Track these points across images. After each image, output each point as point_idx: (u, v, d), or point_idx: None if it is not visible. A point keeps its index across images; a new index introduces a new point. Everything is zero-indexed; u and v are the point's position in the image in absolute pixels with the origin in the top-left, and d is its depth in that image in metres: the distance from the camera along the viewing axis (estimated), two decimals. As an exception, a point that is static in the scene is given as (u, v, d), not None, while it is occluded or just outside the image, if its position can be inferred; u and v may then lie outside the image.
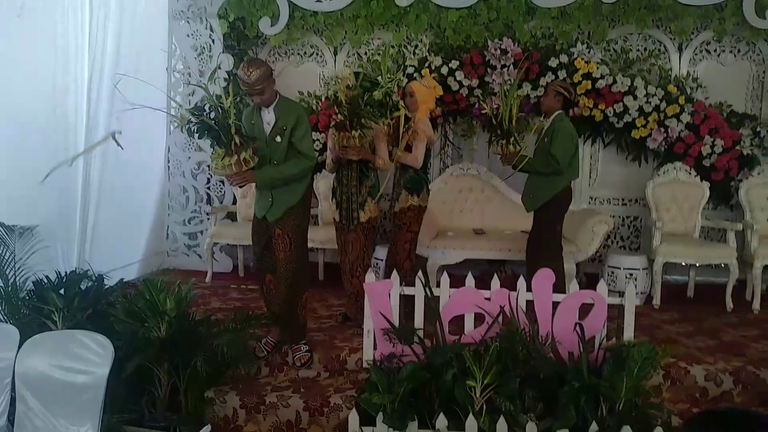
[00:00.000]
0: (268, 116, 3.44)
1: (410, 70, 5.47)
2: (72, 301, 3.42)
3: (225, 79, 5.52)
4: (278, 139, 3.39)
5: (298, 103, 3.67)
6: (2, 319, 3.52)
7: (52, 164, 4.37)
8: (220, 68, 5.50)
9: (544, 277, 3.32)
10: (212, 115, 3.28)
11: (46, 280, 3.52)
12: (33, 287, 3.53)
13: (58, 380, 2.59)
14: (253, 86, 3.32)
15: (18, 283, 3.58)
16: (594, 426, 2.81)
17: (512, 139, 3.95)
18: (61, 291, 3.51)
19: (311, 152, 3.48)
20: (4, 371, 2.69)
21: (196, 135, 3.37)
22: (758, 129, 5.25)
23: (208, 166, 5.55)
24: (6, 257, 3.60)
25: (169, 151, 5.65)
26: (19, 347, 2.71)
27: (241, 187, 3.66)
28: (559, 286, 3.39)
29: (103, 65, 4.70)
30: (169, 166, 5.67)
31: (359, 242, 3.97)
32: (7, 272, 3.57)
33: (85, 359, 2.59)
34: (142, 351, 3.20)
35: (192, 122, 3.29)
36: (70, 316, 3.38)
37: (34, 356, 2.63)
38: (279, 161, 3.42)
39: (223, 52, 5.54)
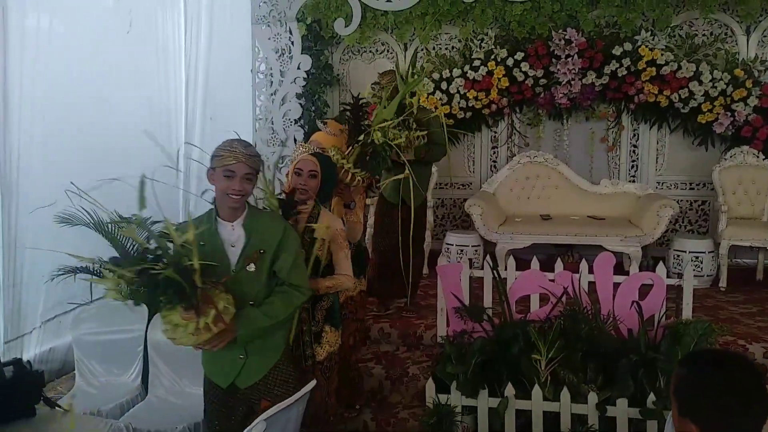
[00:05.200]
0: (232, 235, 2.26)
1: (476, 63, 5.76)
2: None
3: (304, 79, 5.98)
4: (251, 267, 2.24)
5: (277, 213, 2.51)
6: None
7: (157, 162, 4.95)
8: (299, 68, 5.96)
9: (605, 260, 3.57)
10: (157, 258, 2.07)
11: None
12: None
13: (182, 348, 3.09)
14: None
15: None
16: (651, 396, 3.06)
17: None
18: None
19: (306, 283, 2.39)
20: (137, 340, 3.23)
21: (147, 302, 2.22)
22: (830, 110, 5.22)
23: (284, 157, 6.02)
24: (127, 246, 4.15)
25: (255, 146, 6.13)
26: (149, 320, 3.25)
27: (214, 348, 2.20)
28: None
29: (197, 71, 5.24)
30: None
31: (319, 389, 2.61)
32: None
33: (205, 330, 3.07)
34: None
35: (133, 283, 1.99)
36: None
37: (163, 328, 3.15)
38: (252, 299, 2.26)
39: (301, 53, 5.97)
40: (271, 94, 6.10)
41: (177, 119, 5.06)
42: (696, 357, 1.54)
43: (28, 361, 2.35)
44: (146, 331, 3.19)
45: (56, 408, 2.40)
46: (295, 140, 6.05)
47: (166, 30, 4.94)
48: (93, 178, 4.11)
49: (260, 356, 2.31)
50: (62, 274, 3.82)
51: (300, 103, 6.02)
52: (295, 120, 6.06)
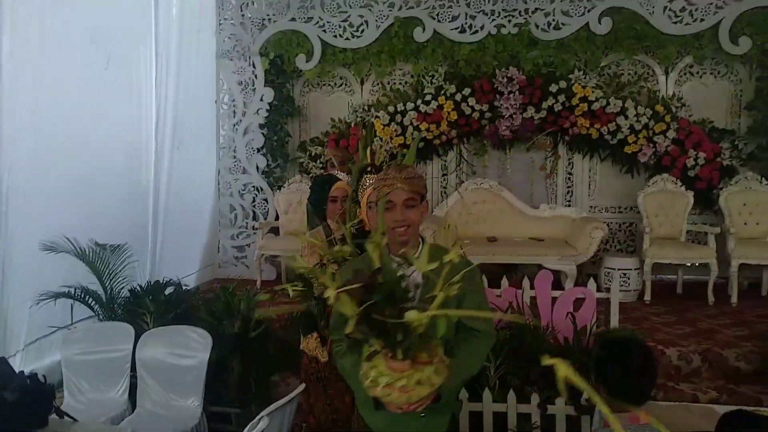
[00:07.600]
0: (411, 275, 1.84)
1: (428, 97, 6.26)
2: (160, 305, 4.22)
3: (266, 110, 6.35)
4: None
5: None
6: (100, 319, 4.33)
7: (130, 191, 5.20)
8: (262, 100, 6.33)
9: (544, 277, 4.06)
10: None
11: (139, 288, 4.33)
12: (129, 294, 4.35)
13: (170, 364, 3.40)
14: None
15: (114, 292, 4.39)
16: (584, 395, 3.54)
17: None
18: (149, 297, 4.32)
19: (492, 327, 2.11)
20: (124, 359, 3.50)
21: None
22: (736, 142, 5.95)
23: (254, 186, 6.35)
24: (104, 271, 4.40)
25: (219, 174, 6.47)
26: (135, 340, 3.52)
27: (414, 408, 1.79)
28: None
29: (167, 103, 5.51)
30: (219, 188, 6.48)
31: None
32: (105, 283, 4.38)
33: (190, 347, 3.39)
34: (220, 344, 3.98)
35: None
36: (159, 317, 4.19)
37: (151, 346, 3.44)
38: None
39: (264, 85, 6.34)
40: (234, 125, 6.45)
41: (147, 150, 5.32)
42: (604, 341, 2.04)
43: (44, 375, 2.61)
44: (134, 350, 3.47)
45: (65, 418, 2.67)
46: (257, 168, 6.39)
47: (139, 66, 5.21)
48: (73, 208, 4.41)
49: (438, 414, 1.99)
50: (45, 299, 4.06)
51: (262, 133, 6.38)
52: (257, 149, 6.41)
